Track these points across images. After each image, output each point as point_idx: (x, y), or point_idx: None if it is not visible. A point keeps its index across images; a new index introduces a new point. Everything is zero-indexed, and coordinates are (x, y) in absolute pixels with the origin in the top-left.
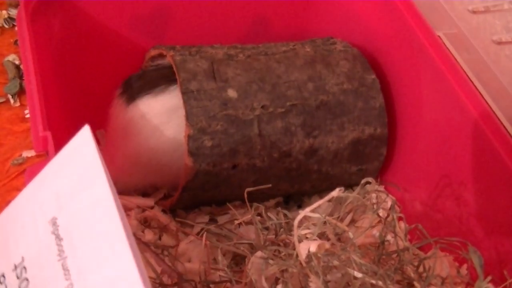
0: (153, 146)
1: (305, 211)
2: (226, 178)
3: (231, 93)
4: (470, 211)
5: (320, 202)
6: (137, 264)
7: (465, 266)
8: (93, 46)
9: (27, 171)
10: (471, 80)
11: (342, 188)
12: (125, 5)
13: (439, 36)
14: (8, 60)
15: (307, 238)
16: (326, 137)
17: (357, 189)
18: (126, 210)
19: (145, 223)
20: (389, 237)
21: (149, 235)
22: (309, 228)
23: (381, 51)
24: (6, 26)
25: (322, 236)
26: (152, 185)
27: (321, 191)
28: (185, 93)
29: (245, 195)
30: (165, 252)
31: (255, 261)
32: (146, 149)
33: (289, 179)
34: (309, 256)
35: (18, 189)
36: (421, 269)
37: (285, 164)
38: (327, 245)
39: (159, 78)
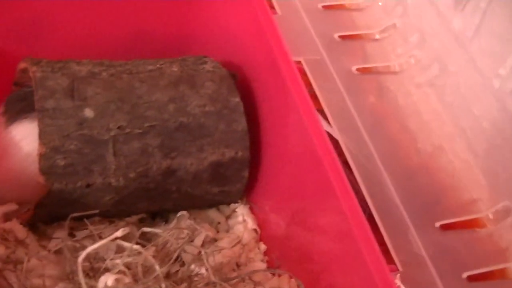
0: (28, 167)
1: (89, 248)
2: (80, 196)
3: (88, 112)
4: (314, 244)
5: (103, 241)
6: None
7: None
8: None
9: None
10: (324, 112)
11: (127, 229)
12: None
13: (300, 62)
14: None
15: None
16: (185, 158)
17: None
18: None
19: (2, 236)
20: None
21: (1, 250)
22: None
23: (254, 73)
24: None
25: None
26: (25, 200)
27: (187, 208)
28: (40, 111)
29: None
30: (14, 268)
31: None
32: (23, 169)
33: (148, 198)
34: None
35: None
36: None
37: (142, 184)
38: (127, 279)
39: None
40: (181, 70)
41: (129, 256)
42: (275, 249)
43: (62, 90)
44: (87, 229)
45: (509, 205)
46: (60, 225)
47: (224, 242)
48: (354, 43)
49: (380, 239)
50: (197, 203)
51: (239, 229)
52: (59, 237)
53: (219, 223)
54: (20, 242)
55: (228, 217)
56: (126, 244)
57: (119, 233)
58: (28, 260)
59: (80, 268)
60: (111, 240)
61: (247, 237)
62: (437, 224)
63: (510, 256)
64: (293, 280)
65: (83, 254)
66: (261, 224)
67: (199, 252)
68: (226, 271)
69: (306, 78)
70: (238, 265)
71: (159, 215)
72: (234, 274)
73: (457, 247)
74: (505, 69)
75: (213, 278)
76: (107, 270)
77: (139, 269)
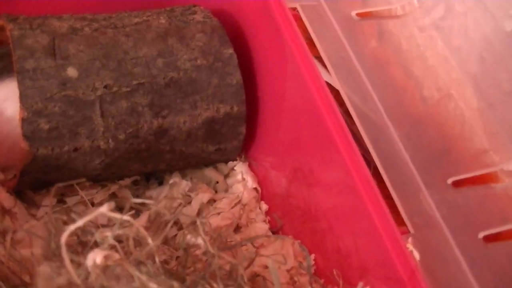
0: (13, 130)
1: (72, 227)
2: (67, 161)
3: (71, 71)
4: (317, 202)
5: (86, 219)
6: None
7: (313, 255)
8: None
9: None
10: (322, 61)
11: (112, 203)
12: None
13: (295, 8)
14: None
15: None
16: (177, 116)
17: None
18: None
19: None
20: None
21: None
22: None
23: (247, 22)
24: None
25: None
26: (12, 166)
27: (182, 168)
28: (20, 73)
29: None
30: (3, 239)
31: (42, 271)
32: (7, 132)
33: (140, 160)
34: (95, 267)
35: None
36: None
37: (133, 146)
38: (116, 255)
39: None
40: (169, 22)
41: (119, 228)
42: (277, 209)
43: (42, 49)
44: (78, 194)
45: None
46: (50, 192)
47: (223, 203)
48: None
49: (390, 200)
50: (193, 163)
51: (238, 188)
52: (48, 204)
53: (217, 182)
54: (7, 212)
55: (226, 176)
56: (116, 216)
57: (104, 208)
58: (15, 231)
59: (64, 249)
60: (95, 215)
61: (247, 196)
62: (450, 181)
63: None
64: (297, 241)
65: (65, 234)
66: (262, 182)
67: (195, 222)
68: (225, 234)
69: (303, 25)
70: (239, 227)
71: (154, 176)
72: (235, 237)
73: (472, 205)
74: None
75: (210, 249)
76: (96, 244)
77: (131, 242)
